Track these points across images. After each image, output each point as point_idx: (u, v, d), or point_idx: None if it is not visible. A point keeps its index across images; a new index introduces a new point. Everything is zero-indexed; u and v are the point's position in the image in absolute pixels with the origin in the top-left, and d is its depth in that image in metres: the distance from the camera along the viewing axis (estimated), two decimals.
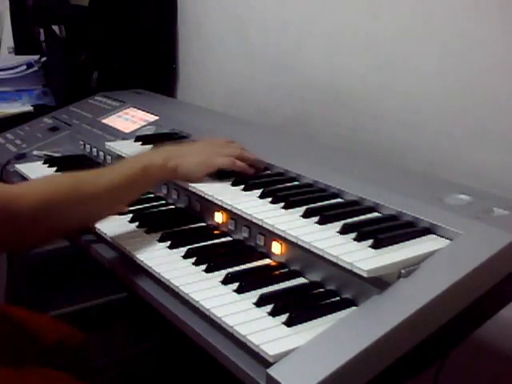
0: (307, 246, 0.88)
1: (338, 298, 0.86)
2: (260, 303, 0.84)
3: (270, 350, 0.73)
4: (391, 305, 0.76)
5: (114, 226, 1.12)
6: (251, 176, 1.14)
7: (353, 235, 0.88)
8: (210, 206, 1.11)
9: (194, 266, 0.96)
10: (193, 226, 1.12)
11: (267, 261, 0.98)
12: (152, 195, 1.28)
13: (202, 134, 1.40)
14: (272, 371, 0.70)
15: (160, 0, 2.08)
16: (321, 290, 0.89)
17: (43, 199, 0.97)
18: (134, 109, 1.73)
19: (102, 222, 1.10)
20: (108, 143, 1.44)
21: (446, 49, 1.30)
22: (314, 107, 1.64)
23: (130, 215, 1.15)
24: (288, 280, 0.92)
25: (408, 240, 0.87)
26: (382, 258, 0.81)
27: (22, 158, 1.60)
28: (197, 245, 1.03)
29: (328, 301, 0.85)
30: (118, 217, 1.15)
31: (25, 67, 2.12)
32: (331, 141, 1.57)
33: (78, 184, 1.02)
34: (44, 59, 2.17)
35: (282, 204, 1.01)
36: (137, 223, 1.13)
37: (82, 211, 1.02)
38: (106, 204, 1.06)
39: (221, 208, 1.07)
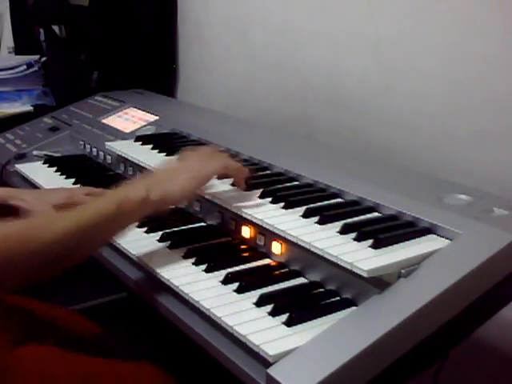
0: (307, 246, 0.88)
1: (338, 298, 0.86)
2: (260, 303, 0.84)
3: (269, 349, 0.73)
4: (391, 305, 0.76)
5: None
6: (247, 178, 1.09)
7: (353, 235, 0.88)
8: (211, 207, 1.11)
9: (193, 266, 0.96)
10: (192, 226, 1.12)
11: (267, 261, 0.98)
12: None
13: (202, 134, 1.40)
14: (272, 371, 0.70)
15: (160, 0, 2.08)
16: (321, 290, 0.89)
17: None
18: (134, 109, 1.73)
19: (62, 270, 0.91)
20: (108, 143, 1.44)
21: (446, 49, 1.30)
22: (314, 107, 1.64)
23: None
24: (288, 280, 0.92)
25: (408, 240, 0.87)
26: (382, 258, 0.81)
27: (22, 158, 1.60)
28: (197, 245, 1.03)
29: (328, 301, 0.85)
30: None
31: (25, 67, 2.12)
32: (331, 141, 1.57)
33: (27, 231, 0.86)
34: (44, 59, 2.17)
35: (282, 204, 1.01)
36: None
37: (31, 264, 0.85)
38: (66, 251, 0.88)
39: (221, 208, 1.08)
